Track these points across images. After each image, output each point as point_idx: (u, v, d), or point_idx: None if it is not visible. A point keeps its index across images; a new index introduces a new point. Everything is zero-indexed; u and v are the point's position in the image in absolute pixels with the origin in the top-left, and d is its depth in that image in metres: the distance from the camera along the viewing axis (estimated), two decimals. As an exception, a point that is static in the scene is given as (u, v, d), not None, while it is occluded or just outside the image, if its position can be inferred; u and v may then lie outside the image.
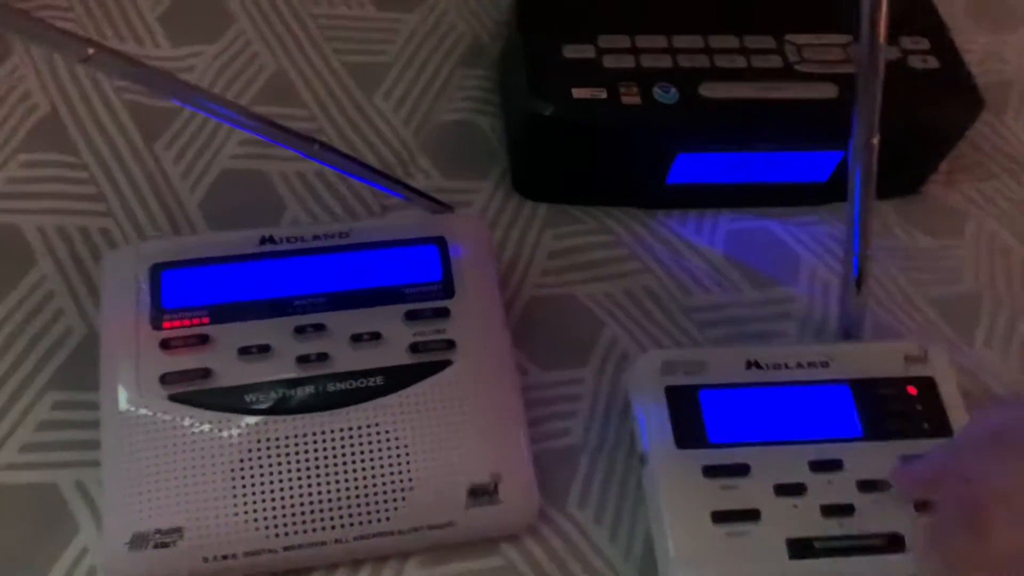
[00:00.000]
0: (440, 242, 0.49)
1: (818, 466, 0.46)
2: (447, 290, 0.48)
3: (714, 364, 0.49)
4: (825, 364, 0.49)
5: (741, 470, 0.46)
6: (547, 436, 0.51)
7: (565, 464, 0.50)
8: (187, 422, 0.43)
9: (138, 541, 0.41)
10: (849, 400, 0.48)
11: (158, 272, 0.47)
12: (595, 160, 0.57)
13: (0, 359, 0.50)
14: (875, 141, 0.47)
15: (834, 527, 0.44)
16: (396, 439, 0.44)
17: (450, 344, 0.46)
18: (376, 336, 0.46)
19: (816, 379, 0.49)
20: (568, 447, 0.51)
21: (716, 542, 0.44)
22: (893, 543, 0.44)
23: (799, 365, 0.49)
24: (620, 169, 0.58)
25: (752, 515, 0.45)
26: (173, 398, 0.44)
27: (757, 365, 0.49)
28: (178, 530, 0.41)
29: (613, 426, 0.52)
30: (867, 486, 0.45)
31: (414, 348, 0.46)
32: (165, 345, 0.45)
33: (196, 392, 0.44)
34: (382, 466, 0.43)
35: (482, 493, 0.44)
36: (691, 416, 0.47)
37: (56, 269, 0.53)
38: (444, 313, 0.47)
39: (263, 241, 0.48)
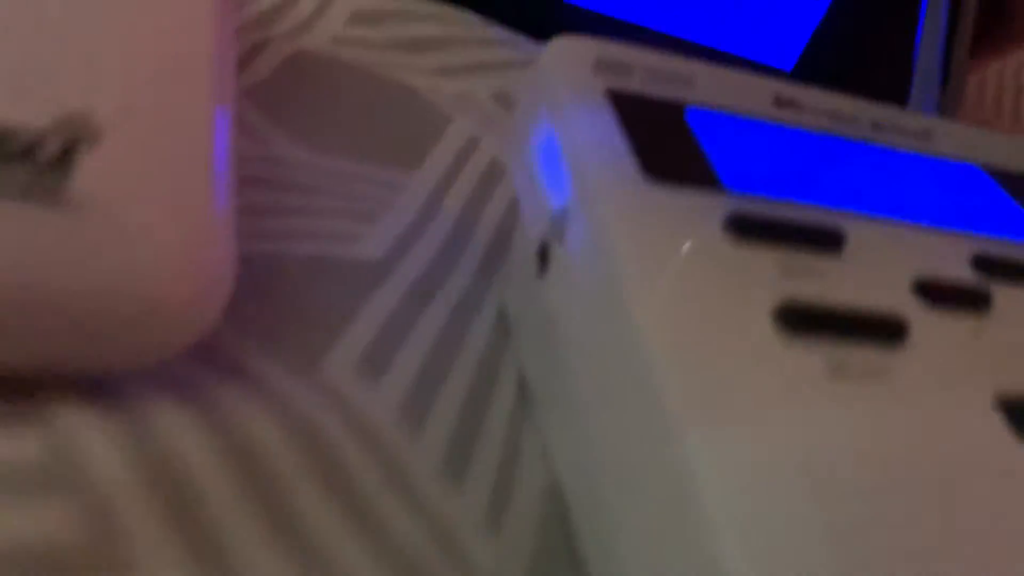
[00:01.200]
0: None
1: (992, 266, 0.18)
2: None
3: (707, 83, 0.21)
4: (926, 137, 0.23)
5: (828, 239, 0.17)
6: (305, 234, 0.22)
7: (333, 288, 0.20)
8: None
9: None
10: (998, 190, 0.22)
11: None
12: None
13: None
14: None
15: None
16: None
17: None
18: None
19: (919, 148, 0.22)
20: (351, 261, 0.21)
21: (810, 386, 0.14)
22: None
23: (875, 126, 0.23)
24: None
25: (888, 330, 0.16)
26: None
27: (797, 106, 0.22)
28: None
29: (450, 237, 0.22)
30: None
31: None
32: None
33: None
34: None
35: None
36: (673, 143, 0.19)
37: None
38: None
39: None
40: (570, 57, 0.20)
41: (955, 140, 0.23)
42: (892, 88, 0.43)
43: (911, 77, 0.43)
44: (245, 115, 0.25)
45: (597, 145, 0.18)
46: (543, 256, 0.18)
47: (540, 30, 0.37)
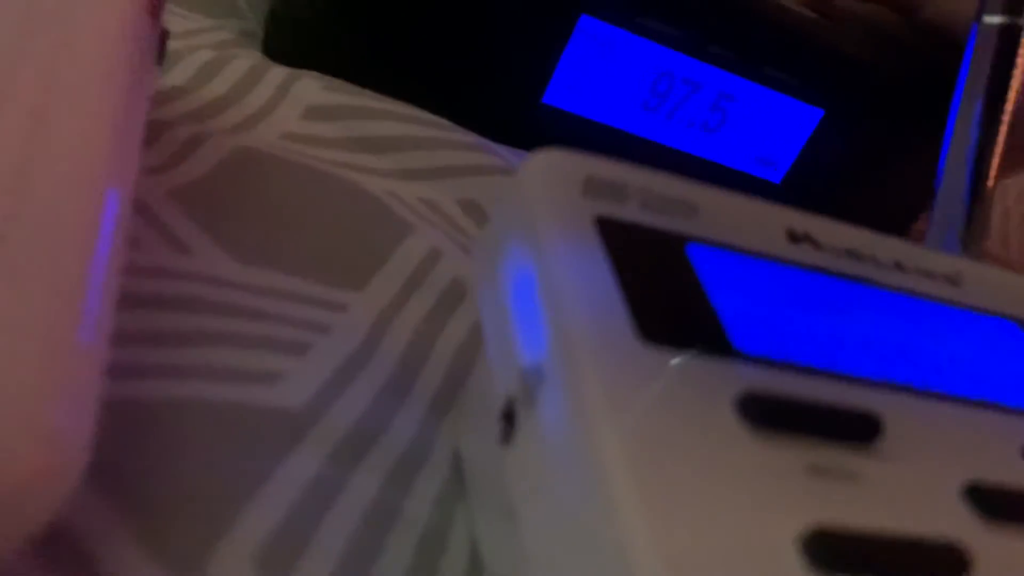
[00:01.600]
0: None
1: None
2: None
3: (712, 213, 0.18)
4: (954, 282, 0.20)
5: (863, 428, 0.14)
6: (216, 372, 0.18)
7: (239, 449, 0.16)
8: None
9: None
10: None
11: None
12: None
13: None
14: None
15: None
16: None
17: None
18: None
19: (949, 299, 0.19)
20: (266, 410, 0.17)
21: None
22: None
23: (898, 267, 0.20)
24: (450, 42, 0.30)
25: (948, 566, 0.12)
26: None
27: (812, 242, 0.19)
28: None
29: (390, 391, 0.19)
30: None
31: None
32: None
33: None
34: None
35: None
36: (673, 290, 0.16)
37: None
38: None
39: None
40: (555, 175, 0.17)
41: (986, 288, 0.20)
42: (878, 204, 0.41)
43: (903, 194, 0.41)
44: (171, 221, 0.21)
45: (583, 291, 0.15)
46: (508, 418, 0.15)
47: (514, 131, 0.33)
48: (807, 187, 0.38)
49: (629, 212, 0.17)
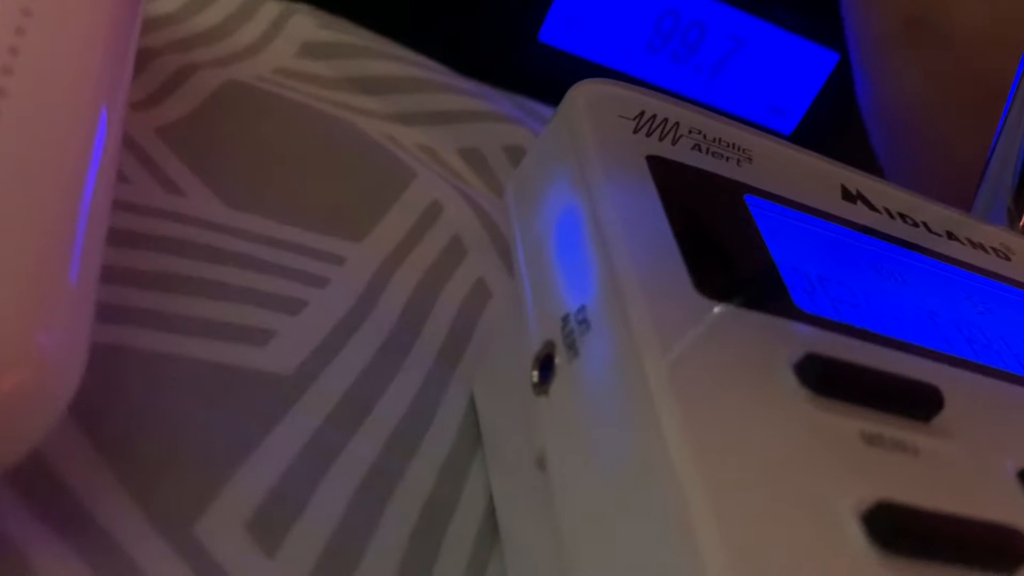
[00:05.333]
0: None
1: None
2: None
3: (767, 162, 0.17)
4: (1006, 256, 0.19)
5: (923, 402, 0.13)
6: (203, 327, 0.17)
7: (227, 413, 0.15)
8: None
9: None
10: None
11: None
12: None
13: None
14: None
15: None
16: None
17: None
18: None
19: (1001, 273, 0.18)
20: (254, 373, 0.16)
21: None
22: None
23: (950, 236, 0.19)
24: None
25: (1007, 555, 0.12)
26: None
27: (866, 202, 0.18)
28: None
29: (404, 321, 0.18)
30: None
31: None
32: None
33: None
34: None
35: None
36: (733, 241, 0.15)
37: None
38: None
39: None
40: (604, 108, 0.16)
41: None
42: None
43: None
44: (156, 157, 0.19)
45: (636, 234, 0.13)
46: (545, 366, 0.14)
47: (505, 72, 0.32)
48: (820, 139, 0.37)
49: (681, 153, 0.16)
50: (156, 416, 0.14)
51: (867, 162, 0.35)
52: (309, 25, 0.27)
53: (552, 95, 0.33)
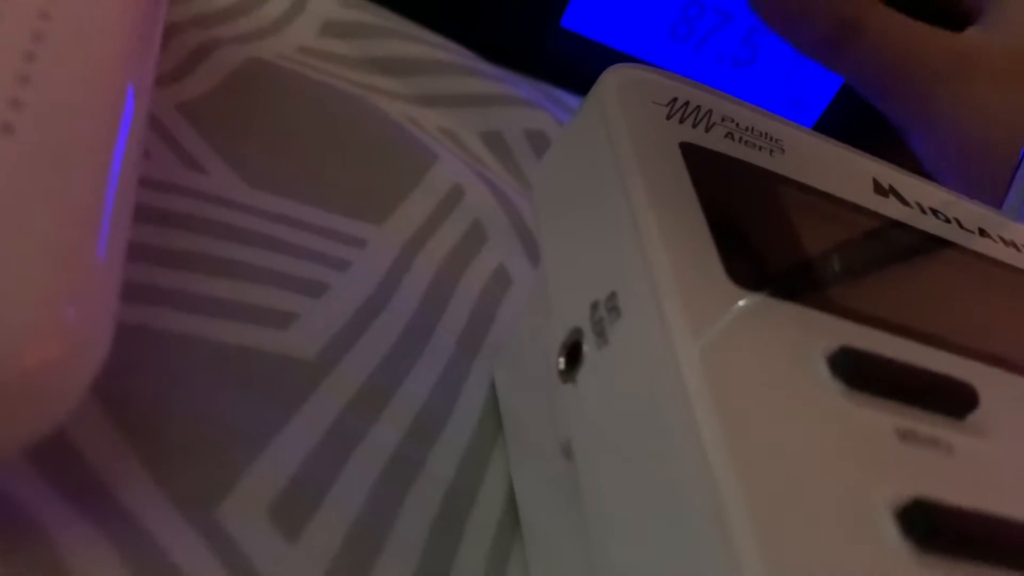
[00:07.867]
0: None
1: None
2: None
3: (799, 153, 0.17)
4: (1035, 254, 0.19)
5: (958, 399, 0.13)
6: (225, 308, 0.16)
7: (250, 397, 0.15)
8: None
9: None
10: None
11: None
12: None
13: None
14: None
15: None
16: None
17: None
18: None
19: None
20: (277, 357, 0.16)
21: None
22: None
23: (982, 233, 0.18)
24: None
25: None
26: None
27: (898, 196, 0.17)
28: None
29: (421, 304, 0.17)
30: None
31: None
32: None
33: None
34: None
35: None
36: (767, 231, 0.14)
37: None
38: None
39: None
40: (637, 93, 0.15)
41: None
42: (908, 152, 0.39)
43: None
44: (177, 133, 0.19)
45: (670, 221, 0.13)
46: (572, 354, 0.14)
47: (526, 58, 0.31)
48: (842, 134, 0.37)
49: (714, 141, 0.15)
50: (179, 399, 0.14)
51: (888, 161, 0.34)
52: (331, 3, 0.27)
53: (574, 81, 0.32)
